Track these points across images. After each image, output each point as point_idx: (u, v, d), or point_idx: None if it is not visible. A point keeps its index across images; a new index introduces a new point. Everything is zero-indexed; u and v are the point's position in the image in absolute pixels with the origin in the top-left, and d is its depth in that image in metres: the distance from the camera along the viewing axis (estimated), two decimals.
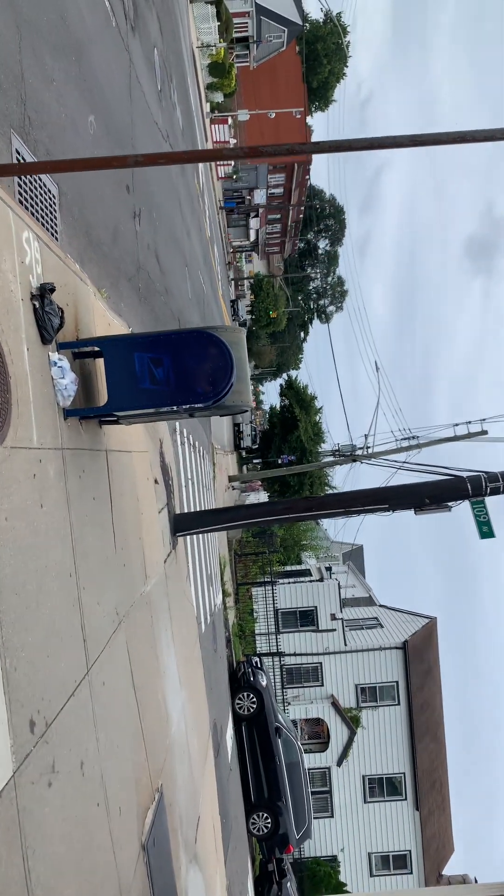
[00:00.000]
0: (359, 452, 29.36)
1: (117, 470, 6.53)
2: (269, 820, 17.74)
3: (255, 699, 17.69)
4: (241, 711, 17.61)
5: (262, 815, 17.76)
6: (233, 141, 55.45)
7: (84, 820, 4.19)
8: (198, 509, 12.74)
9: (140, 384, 4.83)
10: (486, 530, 9.52)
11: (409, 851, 25.09)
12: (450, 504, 9.69)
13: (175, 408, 5.13)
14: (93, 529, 5.37)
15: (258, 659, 19.24)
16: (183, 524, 9.77)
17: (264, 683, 17.89)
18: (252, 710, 17.65)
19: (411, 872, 25.13)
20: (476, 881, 25.39)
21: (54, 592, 4.19)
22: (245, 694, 17.67)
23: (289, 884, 18.05)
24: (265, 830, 17.77)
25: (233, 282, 72.49)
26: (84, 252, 6.94)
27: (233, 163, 58.32)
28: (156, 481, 8.93)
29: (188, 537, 12.09)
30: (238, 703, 17.60)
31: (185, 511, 11.01)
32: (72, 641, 4.42)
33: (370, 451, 28.59)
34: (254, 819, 17.75)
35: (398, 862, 25.21)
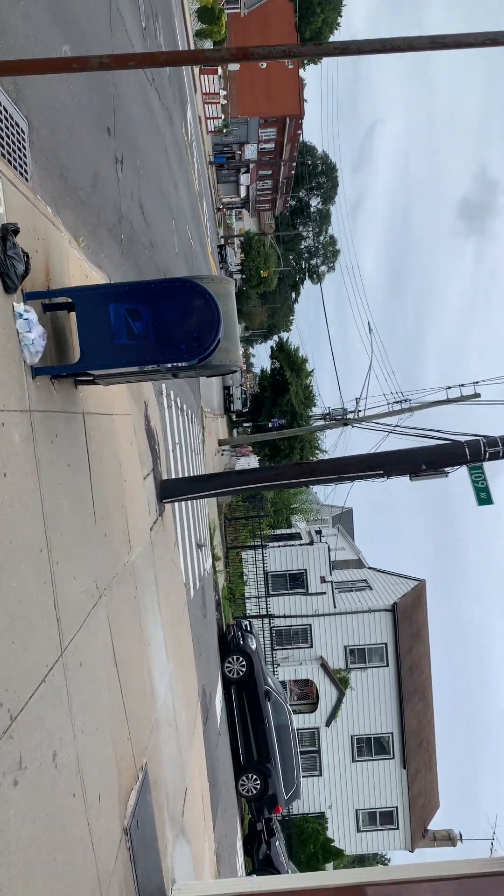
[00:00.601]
0: (350, 416, 29.00)
1: (96, 434, 6.09)
2: (259, 781, 17.81)
3: (244, 662, 17.58)
4: (231, 675, 17.52)
5: (252, 776, 17.82)
6: (223, 92, 53.62)
7: (57, 815, 3.87)
8: (186, 475, 12.35)
9: (116, 339, 4.37)
10: (484, 497, 9.19)
11: (396, 808, 25.49)
12: (447, 470, 9.33)
13: (156, 366, 4.67)
14: (68, 499, 4.96)
15: (248, 622, 19.11)
16: (170, 491, 9.38)
17: (254, 647, 17.78)
18: (241, 674, 17.57)
19: (397, 828, 25.58)
20: (461, 836, 25.93)
21: (21, 571, 3.79)
22: (235, 657, 17.56)
23: (277, 842, 18.23)
24: (254, 792, 17.85)
25: (222, 240, 70.89)
26: (59, 197, 6.38)
27: (222, 116, 56.53)
28: (141, 446, 8.51)
29: (176, 504, 11.72)
30: (227, 667, 17.50)
31: (173, 477, 10.62)
32: (43, 623, 4.04)
33: (362, 414, 28.21)
34: (243, 781, 17.81)
35: (385, 818, 25.64)
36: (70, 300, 4.62)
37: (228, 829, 15.17)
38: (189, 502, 13.94)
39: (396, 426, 24.70)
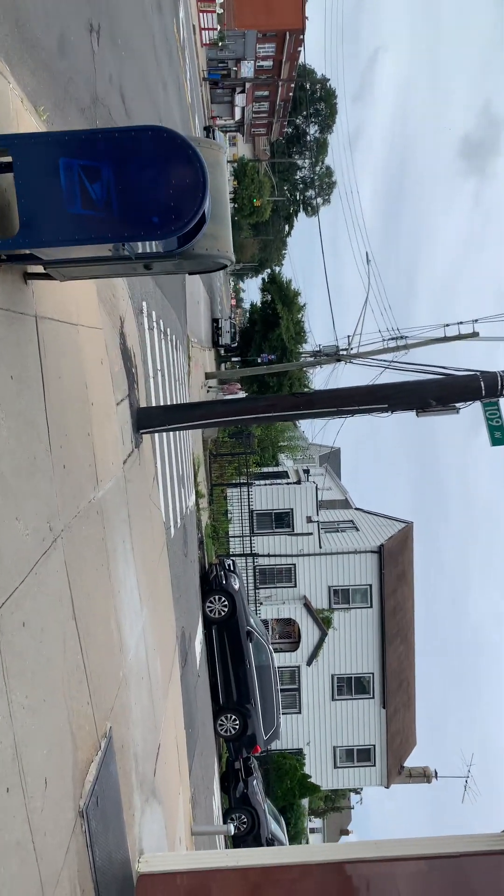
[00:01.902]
0: (343, 353, 27.82)
1: (54, 345, 5.02)
2: (238, 722, 17.48)
3: (226, 602, 16.98)
4: (212, 615, 16.94)
5: (231, 717, 17.48)
6: (219, 0, 49.92)
7: None
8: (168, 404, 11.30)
9: (67, 207, 3.27)
10: (498, 436, 8.27)
11: (373, 746, 25.65)
12: (458, 406, 8.36)
13: (121, 250, 3.59)
14: (10, 421, 3.94)
15: (231, 561, 18.44)
16: (148, 420, 8.36)
17: (237, 587, 17.15)
18: (223, 614, 16.99)
19: (374, 765, 25.80)
20: (436, 773, 26.22)
21: None
22: (216, 597, 16.94)
23: (255, 781, 18.07)
24: (233, 732, 17.54)
25: (209, 122, 67.38)
26: (11, 48, 5.11)
27: (218, 27, 52.88)
28: (114, 367, 7.43)
29: (156, 435, 10.72)
30: (209, 607, 16.90)
31: (152, 405, 9.58)
32: None
33: (358, 350, 27.04)
34: (222, 721, 17.47)
35: (362, 755, 25.83)
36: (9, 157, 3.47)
37: (205, 770, 14.82)
38: (172, 435, 12.95)
39: (392, 362, 23.64)
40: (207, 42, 52.00)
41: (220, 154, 4.18)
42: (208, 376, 26.78)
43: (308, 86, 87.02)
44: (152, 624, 8.29)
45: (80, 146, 3.24)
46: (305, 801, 24.78)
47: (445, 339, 27.01)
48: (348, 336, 27.61)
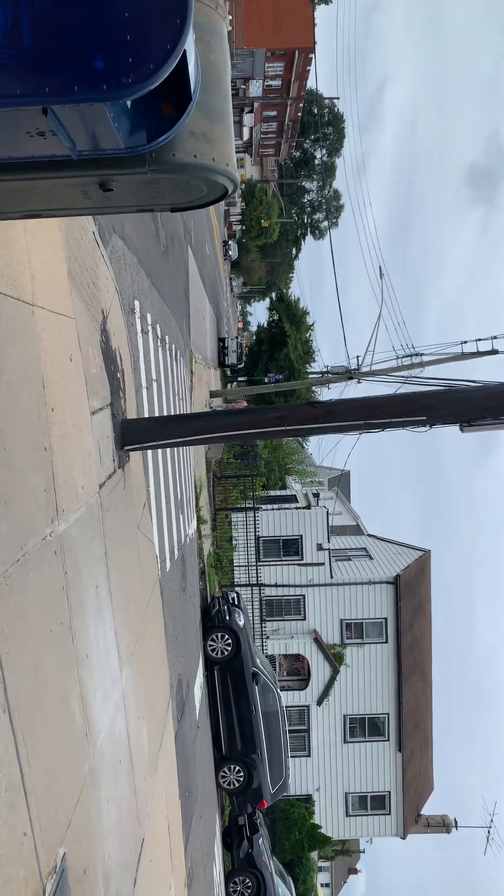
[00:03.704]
0: (355, 370, 26.42)
1: None
2: (242, 773, 15.78)
3: (230, 641, 15.37)
4: (215, 654, 15.32)
5: (234, 767, 15.78)
6: (228, 17, 49.44)
7: None
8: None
9: None
10: None
11: (389, 792, 23.76)
12: None
13: (49, 136, 2.15)
14: None
15: (235, 594, 16.85)
16: (135, 434, 6.90)
17: (241, 623, 15.54)
18: (227, 653, 15.37)
19: (389, 813, 23.89)
20: (456, 823, 24.29)
21: None
22: (219, 635, 15.33)
23: (261, 840, 16.30)
24: (237, 784, 15.83)
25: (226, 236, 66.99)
26: None
27: None
28: (90, 367, 5.98)
29: (149, 453, 9.26)
30: (211, 645, 15.29)
31: (142, 417, 8.13)
32: None
33: (370, 368, 25.64)
34: (224, 772, 15.77)
35: (376, 802, 23.92)
36: None
37: (206, 832, 13.13)
38: (170, 453, 11.49)
39: (411, 377, 22.19)
40: None
41: (218, 18, 2.78)
42: (213, 395, 25.39)
43: (316, 110, 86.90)
44: (137, 685, 6.75)
45: None
46: (315, 855, 22.89)
47: (464, 355, 25.60)
48: (357, 356, 26.25)
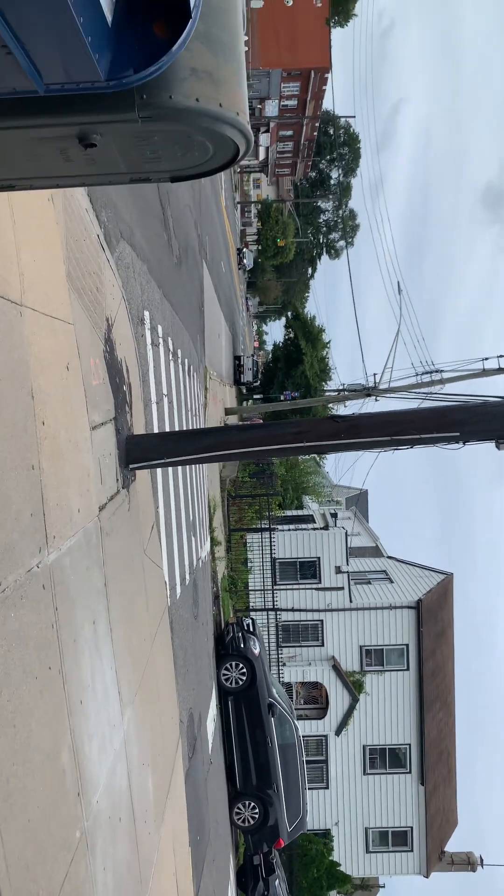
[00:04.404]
0: (372, 388, 25.83)
1: None
2: (257, 810, 15.00)
3: (244, 670, 14.69)
4: (228, 684, 14.64)
5: (249, 804, 15.01)
6: (244, 38, 49.71)
7: None
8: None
9: None
10: None
11: (411, 828, 22.73)
12: None
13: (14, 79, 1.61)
14: None
15: (250, 620, 16.18)
16: (141, 451, 6.35)
17: (257, 652, 14.86)
18: (241, 683, 14.68)
19: (411, 850, 22.84)
20: (482, 860, 23.19)
21: None
22: (233, 664, 14.66)
23: (276, 881, 15.45)
24: (252, 822, 15.04)
25: (238, 205, 67.10)
26: None
27: None
28: (90, 378, 5.46)
29: (158, 471, 8.71)
30: (224, 674, 14.61)
31: (149, 433, 7.58)
32: None
33: (388, 385, 25.04)
34: (239, 809, 15.00)
35: (398, 839, 22.88)
36: None
37: (219, 877, 12.37)
38: (181, 472, 10.94)
39: (432, 393, 21.53)
40: None
41: None
42: (228, 412, 24.89)
43: (332, 131, 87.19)
44: (141, 727, 6.13)
45: None
46: (333, 893, 21.89)
47: (485, 372, 24.92)
48: (374, 374, 25.66)
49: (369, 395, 24.88)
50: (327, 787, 22.47)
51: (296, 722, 15.40)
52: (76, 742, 4.23)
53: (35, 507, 3.92)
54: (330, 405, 38.56)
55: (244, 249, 60.56)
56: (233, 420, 27.06)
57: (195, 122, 2.12)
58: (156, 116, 2.06)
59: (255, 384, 49.55)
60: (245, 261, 60.05)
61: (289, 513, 26.67)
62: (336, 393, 35.35)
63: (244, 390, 49.63)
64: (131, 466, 6.37)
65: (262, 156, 68.49)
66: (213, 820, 11.97)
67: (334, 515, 25.31)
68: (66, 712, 4.11)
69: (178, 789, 8.06)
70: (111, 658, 5.25)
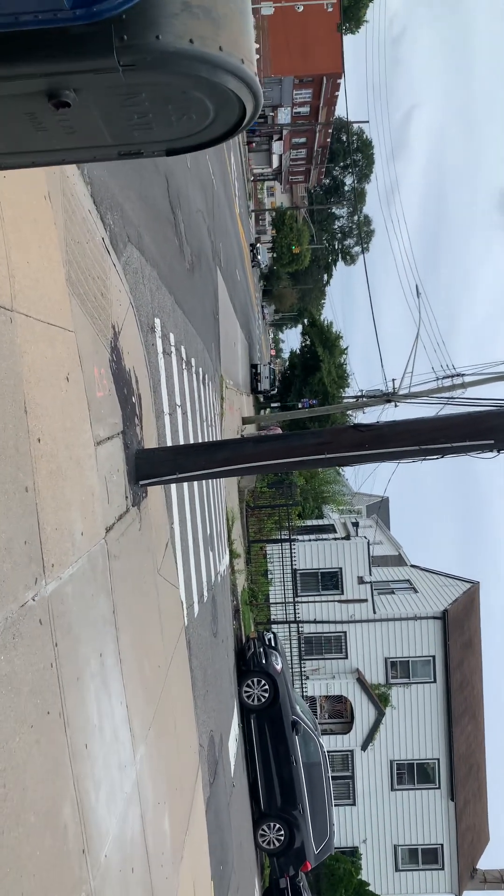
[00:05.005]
0: (392, 393, 25.31)
1: None
2: (283, 832, 14.49)
3: (266, 686, 14.22)
4: (250, 701, 14.18)
5: (274, 825, 14.51)
6: (255, 46, 49.55)
7: None
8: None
9: None
10: None
11: (441, 845, 22.03)
12: None
13: None
14: None
15: (272, 634, 15.72)
16: (151, 466, 5.97)
17: (279, 668, 14.39)
18: (263, 700, 14.21)
19: (442, 868, 22.14)
20: None
21: None
22: (255, 680, 14.20)
23: None
24: (277, 844, 14.54)
25: (253, 213, 66.92)
26: None
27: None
28: (94, 389, 5.08)
29: (173, 487, 8.32)
30: (246, 692, 14.16)
31: (166, 447, 7.21)
32: None
33: (408, 391, 24.52)
34: (263, 831, 14.50)
35: (428, 856, 22.20)
36: None
37: None
38: (197, 485, 10.55)
39: (454, 398, 20.99)
40: None
41: None
42: (245, 421, 24.50)
43: (345, 137, 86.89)
44: (156, 763, 5.72)
45: None
46: None
47: None
48: (393, 380, 25.18)
49: (389, 401, 24.35)
50: (354, 804, 21.87)
51: (321, 739, 14.89)
52: (80, 792, 3.83)
53: (30, 534, 3.54)
54: (349, 412, 38.05)
55: (258, 245, 58.48)
56: (251, 429, 26.68)
57: (190, 69, 1.72)
58: (140, 63, 1.67)
59: (272, 392, 49.14)
60: (259, 257, 57.96)
61: (309, 522, 26.18)
62: (355, 400, 34.83)
63: (261, 399, 49.25)
64: (141, 483, 5.98)
65: (275, 163, 68.35)
66: (236, 845, 11.51)
67: (355, 524, 24.79)
68: (67, 760, 3.70)
69: (198, 821, 7.63)
70: (121, 692, 4.85)
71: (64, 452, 4.19)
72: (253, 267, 52.88)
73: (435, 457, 5.87)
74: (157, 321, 8.39)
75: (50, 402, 4.06)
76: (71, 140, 2.06)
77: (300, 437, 6.07)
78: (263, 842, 14.55)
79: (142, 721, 5.35)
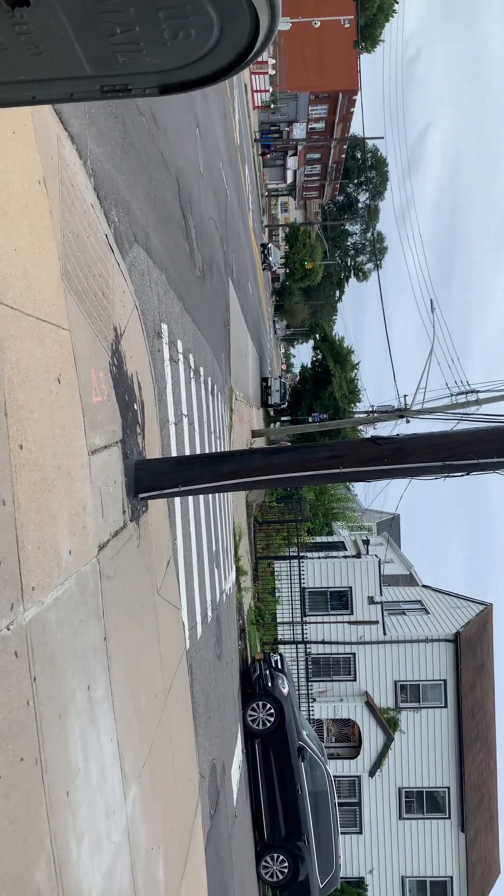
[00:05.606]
0: (404, 409, 24.85)
1: None
2: (286, 864, 13.87)
3: (272, 711, 13.68)
4: (255, 726, 13.63)
5: (278, 857, 13.90)
6: (272, 61, 49.74)
7: None
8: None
9: None
10: None
11: (451, 878, 21.25)
12: None
13: None
14: None
15: (278, 657, 15.17)
16: (151, 479, 5.53)
17: (285, 691, 13.85)
18: (269, 725, 13.66)
19: None
20: None
21: None
22: (260, 704, 13.66)
23: None
24: (280, 877, 13.92)
25: (266, 229, 66.89)
26: None
27: (270, 89, 52.70)
28: (90, 393, 4.66)
29: (177, 500, 7.89)
30: (251, 715, 13.62)
31: (161, 458, 6.78)
32: None
33: (421, 406, 24.04)
34: (266, 862, 13.89)
35: (436, 889, 21.40)
36: None
37: None
38: (202, 498, 10.10)
39: (468, 414, 20.47)
40: (260, 104, 51.72)
41: None
42: (255, 434, 24.09)
43: (360, 154, 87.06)
44: (150, 804, 5.23)
45: None
46: None
47: None
48: (405, 395, 24.70)
49: (401, 417, 23.89)
50: (360, 832, 21.15)
51: (327, 767, 14.30)
52: (58, 848, 3.36)
53: (5, 553, 3.11)
54: (360, 427, 37.50)
55: (269, 245, 56.81)
56: (260, 442, 26.24)
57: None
58: None
59: (282, 406, 48.75)
60: (270, 258, 56.37)
61: (318, 539, 25.64)
62: (366, 415, 34.36)
63: (272, 412, 48.85)
64: (141, 496, 5.55)
65: (289, 179, 68.41)
66: (238, 881, 10.93)
67: (366, 542, 24.23)
68: (44, 812, 3.24)
69: (196, 862, 7.11)
70: (111, 727, 4.38)
71: (51, 461, 3.76)
72: (264, 269, 51.66)
73: (460, 474, 5.41)
74: (164, 327, 8.00)
75: (36, 406, 3.64)
76: (39, 67, 1.64)
77: (312, 450, 5.63)
78: (266, 874, 13.94)
79: (134, 758, 4.88)
